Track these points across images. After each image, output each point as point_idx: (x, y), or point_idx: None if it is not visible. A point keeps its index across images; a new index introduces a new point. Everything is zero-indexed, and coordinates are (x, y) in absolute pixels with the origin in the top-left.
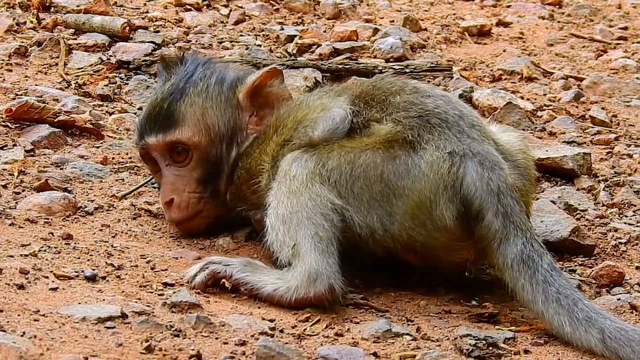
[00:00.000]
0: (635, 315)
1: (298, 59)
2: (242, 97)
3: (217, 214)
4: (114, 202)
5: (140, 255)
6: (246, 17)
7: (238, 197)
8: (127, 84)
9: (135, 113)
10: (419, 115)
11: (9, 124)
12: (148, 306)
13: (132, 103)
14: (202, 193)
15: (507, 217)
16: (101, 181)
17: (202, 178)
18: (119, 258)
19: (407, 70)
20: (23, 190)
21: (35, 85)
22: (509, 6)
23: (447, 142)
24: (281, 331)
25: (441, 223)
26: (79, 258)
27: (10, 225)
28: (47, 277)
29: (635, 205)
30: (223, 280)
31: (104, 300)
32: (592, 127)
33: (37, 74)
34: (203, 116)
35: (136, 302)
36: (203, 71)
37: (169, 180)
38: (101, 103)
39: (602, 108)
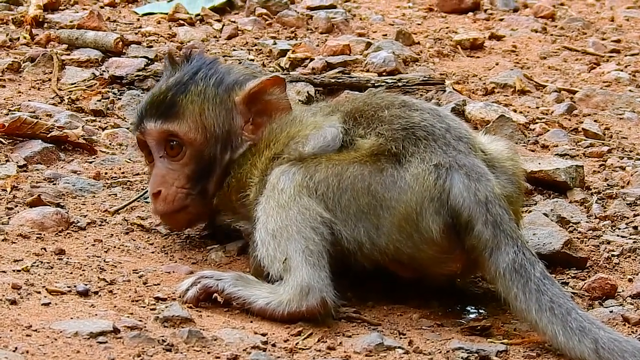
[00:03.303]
0: (628, 327)
1: (291, 73)
2: (238, 102)
3: (201, 212)
4: (106, 217)
5: (133, 270)
6: (239, 32)
7: (225, 204)
8: (120, 99)
9: (128, 128)
10: (403, 128)
11: (2, 139)
12: (140, 321)
13: (125, 118)
14: (190, 190)
15: (496, 226)
16: (94, 196)
17: (193, 175)
18: (111, 273)
19: (400, 84)
20: (16, 206)
21: (29, 100)
22: (501, 19)
23: (432, 154)
24: (273, 345)
25: (428, 235)
26: (71, 273)
27: (2, 240)
28: (39, 292)
29: (627, 218)
30: (215, 294)
31: (96, 315)
32: (585, 140)
33: (30, 89)
34: (201, 115)
35: (128, 316)
36: (205, 71)
37: (160, 172)
38: (94, 118)
39: (595, 121)
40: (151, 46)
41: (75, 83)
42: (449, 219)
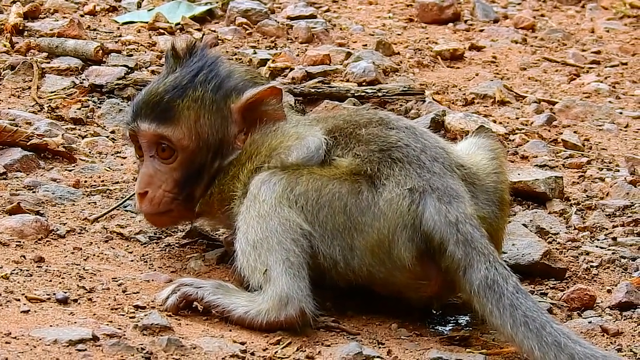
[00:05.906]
0: (607, 338)
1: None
2: (234, 110)
3: (185, 216)
4: (86, 225)
5: (112, 278)
6: (219, 41)
7: (208, 212)
8: (100, 107)
9: (107, 137)
10: (380, 149)
11: None
12: (119, 329)
13: (104, 126)
14: (176, 195)
15: (467, 244)
16: (73, 204)
17: (181, 180)
18: (90, 281)
19: (380, 94)
20: None
21: (8, 108)
22: (482, 30)
23: (407, 178)
24: (252, 354)
25: (400, 263)
26: (50, 281)
27: None
28: (18, 300)
29: (607, 229)
30: (195, 302)
31: (75, 322)
32: (564, 151)
33: (10, 97)
34: (196, 122)
35: (107, 324)
36: (205, 74)
37: (148, 171)
38: (74, 126)
39: (575, 132)
40: (131, 55)
41: (55, 91)
42: (422, 245)
